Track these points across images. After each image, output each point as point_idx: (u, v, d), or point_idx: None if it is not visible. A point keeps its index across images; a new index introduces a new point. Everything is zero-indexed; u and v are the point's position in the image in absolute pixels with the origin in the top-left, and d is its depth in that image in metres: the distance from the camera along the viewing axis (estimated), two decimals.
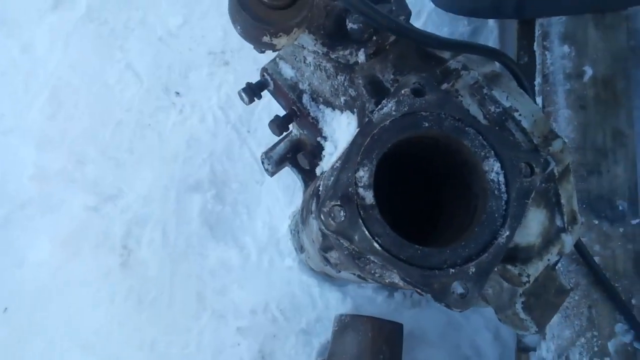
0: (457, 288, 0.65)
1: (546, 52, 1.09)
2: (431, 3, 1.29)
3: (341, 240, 0.63)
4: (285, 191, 1.30)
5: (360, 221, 0.63)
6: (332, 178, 0.65)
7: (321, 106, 0.87)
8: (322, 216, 0.63)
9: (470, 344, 1.17)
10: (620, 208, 0.98)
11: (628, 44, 1.10)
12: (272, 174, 1.11)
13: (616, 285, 0.94)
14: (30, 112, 1.36)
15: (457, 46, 0.72)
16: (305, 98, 0.88)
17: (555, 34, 1.10)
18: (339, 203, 0.63)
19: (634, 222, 0.98)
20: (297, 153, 1.07)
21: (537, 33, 1.12)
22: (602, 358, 0.91)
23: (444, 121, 0.67)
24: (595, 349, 0.92)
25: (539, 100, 1.08)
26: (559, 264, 0.99)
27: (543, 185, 0.75)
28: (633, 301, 0.94)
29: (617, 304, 0.92)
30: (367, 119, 0.66)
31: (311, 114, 0.88)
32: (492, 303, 0.90)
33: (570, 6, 1.09)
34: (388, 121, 0.66)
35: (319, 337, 1.18)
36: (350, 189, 0.64)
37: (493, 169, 0.67)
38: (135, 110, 1.37)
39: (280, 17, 0.57)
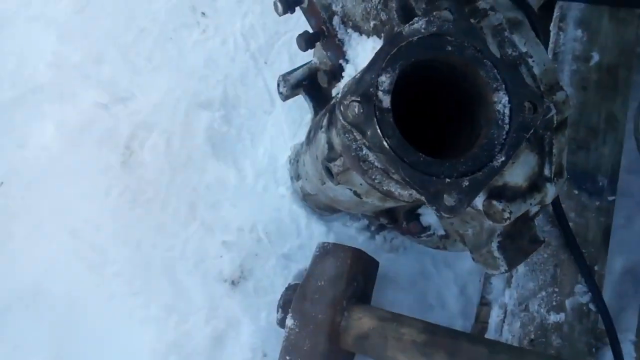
0: (449, 200, 0.71)
1: (560, 33, 1.17)
2: None
3: (354, 134, 0.69)
4: (291, 125, 1.35)
5: (375, 120, 0.69)
6: (356, 77, 0.71)
7: (349, 30, 0.92)
8: (341, 107, 0.68)
9: (437, 294, 1.24)
10: (601, 184, 1.06)
11: (636, 40, 1.17)
12: (285, 98, 1.16)
13: (584, 251, 1.02)
14: (58, 4, 1.38)
15: None
16: (336, 20, 0.93)
17: (572, 17, 1.18)
18: (358, 99, 0.69)
19: (610, 198, 1.06)
20: (314, 81, 1.12)
21: (555, 14, 1.19)
22: (558, 312, 0.99)
23: (466, 49, 0.73)
24: (554, 303, 1.00)
25: None
26: (537, 222, 1.06)
27: (540, 131, 0.81)
28: (596, 268, 1.02)
29: (582, 267, 1.00)
30: (397, 31, 0.71)
31: (339, 35, 0.93)
32: (469, 244, 0.97)
33: None
34: (416, 37, 0.72)
35: (297, 264, 1.24)
36: (371, 89, 0.69)
37: (501, 101, 0.73)
38: (160, 21, 1.40)
39: None
